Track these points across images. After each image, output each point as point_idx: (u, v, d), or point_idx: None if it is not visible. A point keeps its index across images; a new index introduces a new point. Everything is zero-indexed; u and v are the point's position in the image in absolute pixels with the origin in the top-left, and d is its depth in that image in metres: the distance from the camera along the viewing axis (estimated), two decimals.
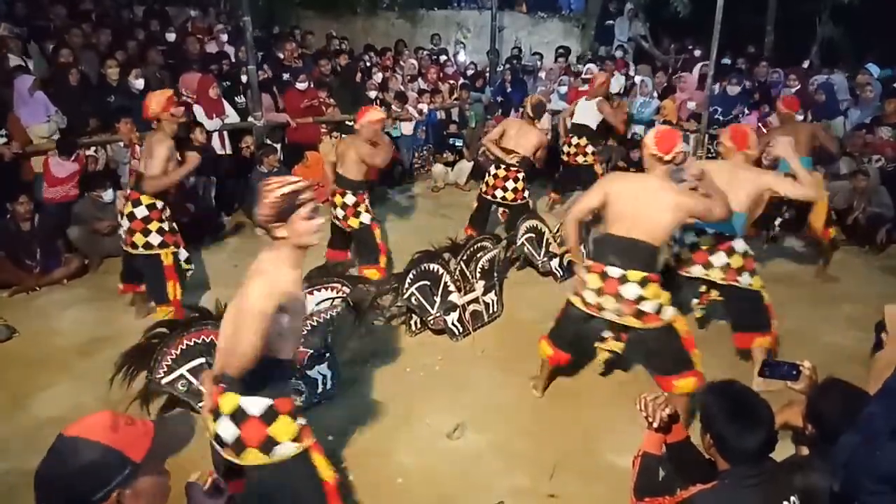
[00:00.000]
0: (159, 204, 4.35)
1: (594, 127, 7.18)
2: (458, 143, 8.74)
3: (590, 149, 7.19)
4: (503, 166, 5.77)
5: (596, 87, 7.15)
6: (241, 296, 2.11)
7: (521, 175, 5.77)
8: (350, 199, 5.02)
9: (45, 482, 1.32)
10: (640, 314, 3.24)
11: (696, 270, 3.94)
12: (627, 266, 3.23)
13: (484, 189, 5.94)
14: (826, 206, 5.51)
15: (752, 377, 3.53)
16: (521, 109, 5.91)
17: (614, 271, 3.25)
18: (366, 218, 5.05)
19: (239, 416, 2.18)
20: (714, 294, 4.08)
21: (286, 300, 2.05)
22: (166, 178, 4.22)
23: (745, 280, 3.87)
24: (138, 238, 4.33)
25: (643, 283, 3.22)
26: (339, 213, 5.06)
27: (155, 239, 4.33)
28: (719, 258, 3.86)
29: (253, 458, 2.19)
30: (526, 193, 5.86)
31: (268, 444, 2.18)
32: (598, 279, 3.29)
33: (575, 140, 7.25)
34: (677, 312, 3.36)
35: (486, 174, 5.99)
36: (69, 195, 5.84)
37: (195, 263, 5.83)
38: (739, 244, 3.88)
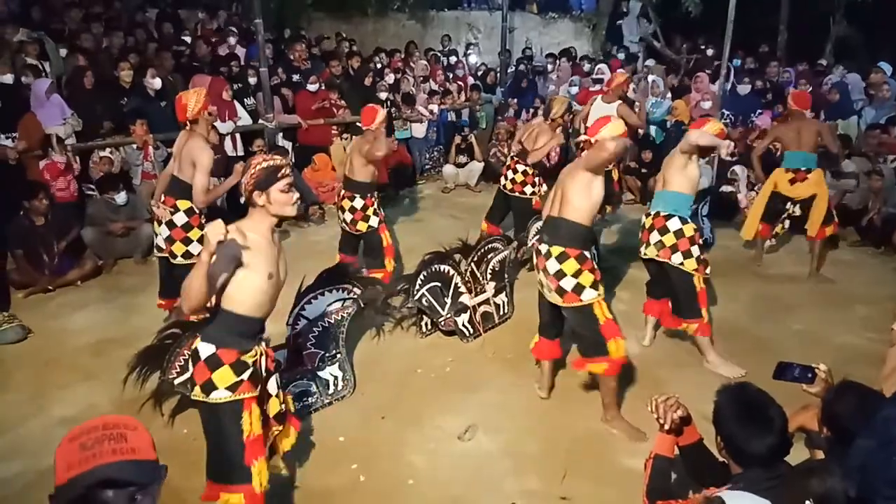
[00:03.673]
0: (196, 208, 4.13)
1: None
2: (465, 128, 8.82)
3: None
4: (514, 157, 5.70)
5: (614, 87, 6.70)
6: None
7: (520, 168, 5.62)
8: (359, 202, 4.88)
9: None
10: (561, 292, 3.38)
11: (642, 251, 4.19)
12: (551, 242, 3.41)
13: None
14: (826, 201, 5.48)
15: (758, 376, 3.50)
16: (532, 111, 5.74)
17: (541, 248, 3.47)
18: (374, 221, 4.94)
19: (194, 357, 2.43)
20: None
21: (234, 239, 2.24)
22: (216, 190, 4.04)
23: (676, 259, 4.00)
24: (177, 247, 4.13)
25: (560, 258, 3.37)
26: (348, 216, 4.93)
27: (196, 248, 4.13)
28: (654, 236, 4.07)
29: (195, 393, 2.42)
30: (527, 189, 5.65)
31: (207, 386, 2.37)
32: (535, 256, 3.54)
33: None
34: (598, 296, 3.38)
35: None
36: (53, 193, 5.71)
37: None
38: (673, 222, 4.00)
